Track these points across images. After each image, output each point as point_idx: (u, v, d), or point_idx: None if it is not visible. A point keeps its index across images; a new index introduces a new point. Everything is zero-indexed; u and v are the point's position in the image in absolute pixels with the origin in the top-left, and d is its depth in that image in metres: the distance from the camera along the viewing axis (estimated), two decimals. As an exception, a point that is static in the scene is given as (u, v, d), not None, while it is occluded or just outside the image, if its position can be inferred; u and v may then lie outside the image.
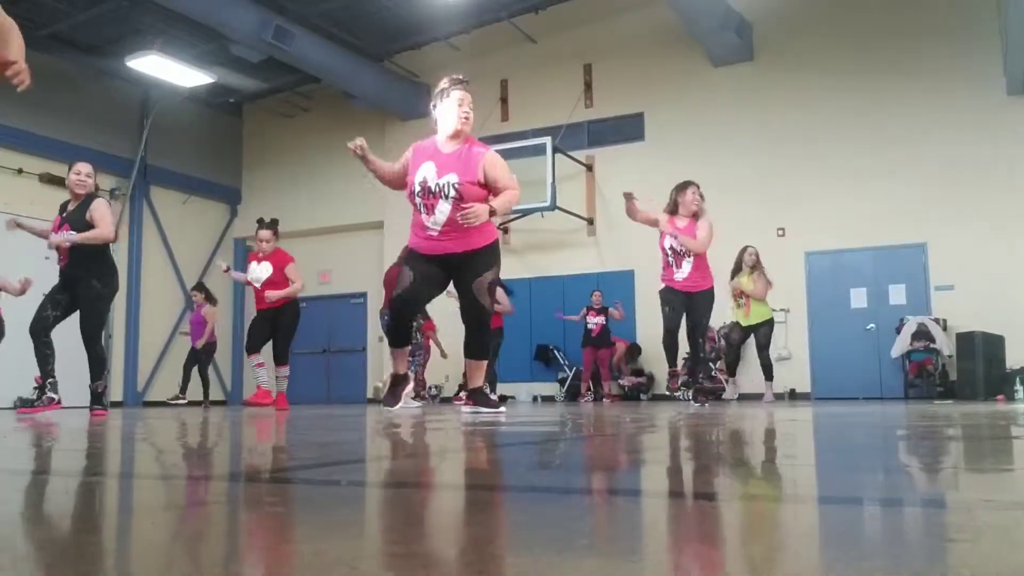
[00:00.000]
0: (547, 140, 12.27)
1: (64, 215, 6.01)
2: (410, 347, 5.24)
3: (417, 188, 4.67)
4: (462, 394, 10.52)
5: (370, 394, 14.89)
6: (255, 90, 15.47)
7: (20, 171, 12.96)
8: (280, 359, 7.61)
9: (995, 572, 0.69)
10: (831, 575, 0.71)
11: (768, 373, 9.40)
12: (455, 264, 4.73)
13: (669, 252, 6.60)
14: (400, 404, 5.14)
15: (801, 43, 12.33)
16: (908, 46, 11.66)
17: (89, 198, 6.01)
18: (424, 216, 4.68)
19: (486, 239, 4.74)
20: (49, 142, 13.13)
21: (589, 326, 11.83)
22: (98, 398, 6.13)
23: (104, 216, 5.95)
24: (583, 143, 13.58)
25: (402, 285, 4.78)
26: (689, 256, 6.52)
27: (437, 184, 4.61)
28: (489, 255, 4.77)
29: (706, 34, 12.03)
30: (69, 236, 5.84)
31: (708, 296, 6.68)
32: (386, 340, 8.91)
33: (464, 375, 10.26)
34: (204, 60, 13.33)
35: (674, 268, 6.59)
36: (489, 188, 4.63)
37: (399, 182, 4.87)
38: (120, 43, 13.18)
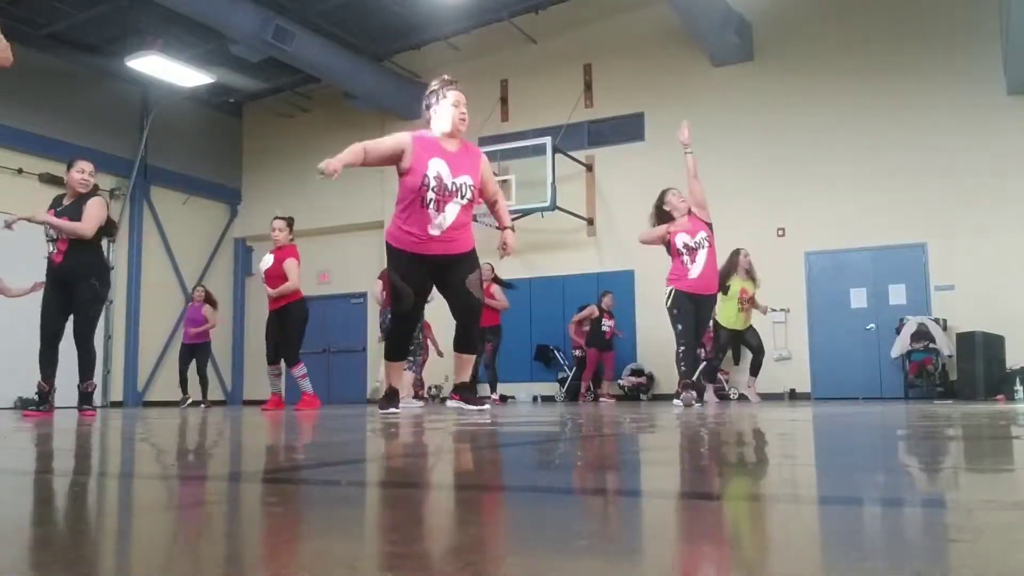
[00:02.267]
0: (547, 140, 12.27)
1: (59, 208, 5.94)
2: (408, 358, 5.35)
3: (432, 182, 4.54)
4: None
5: (370, 394, 14.89)
6: (255, 90, 15.47)
7: (20, 171, 12.97)
8: (289, 360, 7.71)
9: (995, 572, 0.69)
10: (831, 575, 0.71)
11: (756, 371, 9.54)
12: (442, 266, 4.75)
13: (683, 250, 6.54)
14: (400, 407, 5.20)
15: (801, 43, 12.33)
16: (908, 46, 11.66)
17: (87, 195, 5.97)
18: (432, 213, 4.56)
19: (471, 244, 4.88)
20: (49, 142, 13.12)
21: (603, 328, 11.84)
22: (87, 398, 6.06)
23: (92, 214, 5.87)
24: (583, 143, 13.57)
25: (404, 304, 4.80)
26: (703, 246, 6.49)
27: (453, 183, 4.57)
28: (473, 257, 4.90)
29: (706, 34, 12.03)
30: (48, 219, 5.83)
31: (714, 302, 6.75)
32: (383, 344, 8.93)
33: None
34: (204, 60, 13.33)
35: (688, 265, 6.50)
36: (480, 189, 4.77)
37: (386, 159, 4.71)
38: (120, 43, 13.18)
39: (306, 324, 7.85)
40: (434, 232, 4.61)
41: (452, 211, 4.58)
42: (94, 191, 6.10)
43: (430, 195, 4.53)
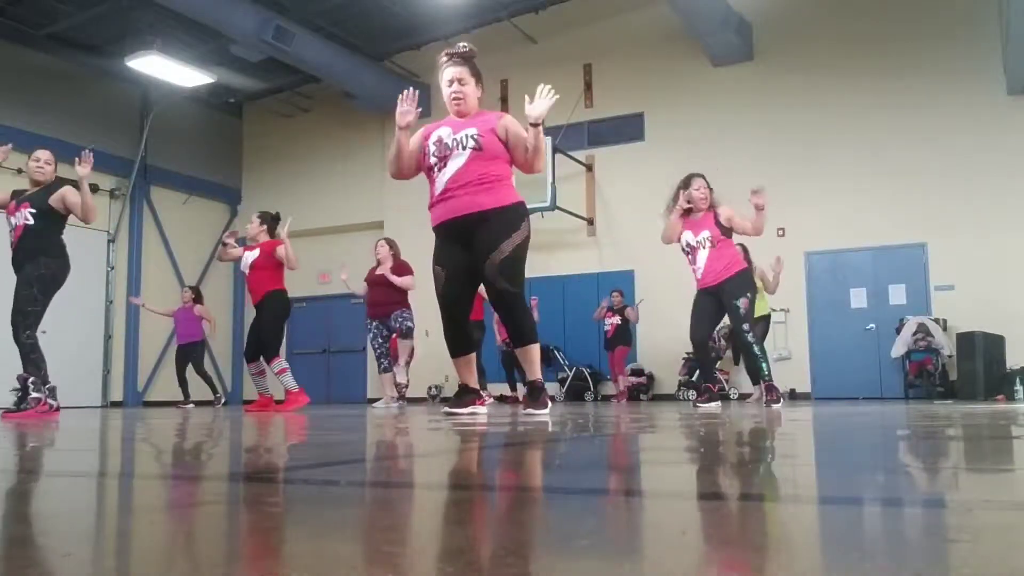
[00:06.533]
0: (547, 140, 12.26)
1: (19, 198, 5.87)
2: (472, 353, 4.48)
3: (432, 148, 4.25)
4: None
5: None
6: (255, 90, 15.48)
7: (20, 171, 12.94)
8: (266, 356, 7.21)
9: (995, 572, 0.69)
10: (831, 575, 0.70)
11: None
12: (467, 236, 4.19)
13: (686, 248, 6.38)
14: (468, 410, 4.48)
15: (801, 43, 12.33)
16: (908, 46, 11.66)
17: (54, 185, 5.90)
18: (436, 173, 4.23)
19: (501, 200, 4.18)
20: (49, 142, 13.00)
21: (605, 327, 11.84)
22: (26, 395, 5.46)
23: (88, 204, 5.78)
24: (583, 143, 13.58)
25: (438, 287, 4.32)
26: (704, 247, 6.26)
27: (454, 139, 4.22)
28: (495, 222, 4.16)
29: (706, 34, 12.03)
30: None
31: (736, 281, 6.26)
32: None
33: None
34: (204, 60, 13.33)
35: (692, 266, 6.34)
36: (510, 149, 4.27)
37: (409, 158, 4.37)
38: (120, 43, 13.17)
39: (283, 319, 7.41)
40: (439, 189, 4.21)
41: (454, 164, 4.16)
42: (59, 181, 5.97)
43: (432, 159, 4.26)
